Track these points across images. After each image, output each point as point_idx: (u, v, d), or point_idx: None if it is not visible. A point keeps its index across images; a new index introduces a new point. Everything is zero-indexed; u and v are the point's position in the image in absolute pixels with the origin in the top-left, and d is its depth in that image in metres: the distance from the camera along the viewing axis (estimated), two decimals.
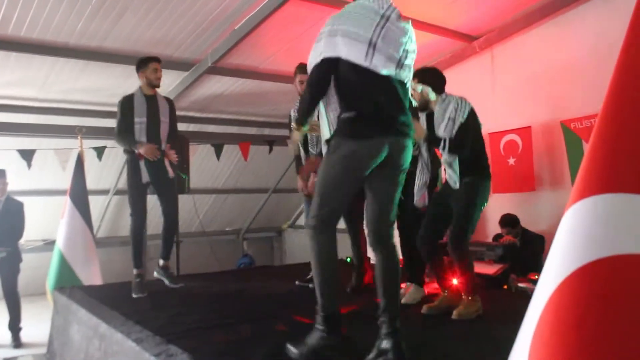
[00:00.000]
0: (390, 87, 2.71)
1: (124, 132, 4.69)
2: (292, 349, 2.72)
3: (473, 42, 6.51)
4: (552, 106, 5.86)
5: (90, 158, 7.09)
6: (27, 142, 6.95)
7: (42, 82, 6.32)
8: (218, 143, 8.10)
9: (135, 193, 4.77)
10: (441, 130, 3.75)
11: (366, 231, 2.82)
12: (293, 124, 2.85)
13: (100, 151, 7.23)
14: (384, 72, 2.64)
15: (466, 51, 6.62)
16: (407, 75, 2.80)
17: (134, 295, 4.65)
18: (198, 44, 5.99)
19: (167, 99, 4.99)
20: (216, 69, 6.42)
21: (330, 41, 2.63)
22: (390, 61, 2.65)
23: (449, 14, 5.84)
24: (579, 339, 1.36)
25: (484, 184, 3.86)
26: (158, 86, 4.84)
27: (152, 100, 4.79)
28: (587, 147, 1.61)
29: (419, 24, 5.78)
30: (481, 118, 3.92)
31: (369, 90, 2.65)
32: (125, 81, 6.58)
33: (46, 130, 6.99)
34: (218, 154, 8.09)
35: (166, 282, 4.84)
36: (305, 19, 5.56)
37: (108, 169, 8.32)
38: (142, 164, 4.68)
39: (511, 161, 6.21)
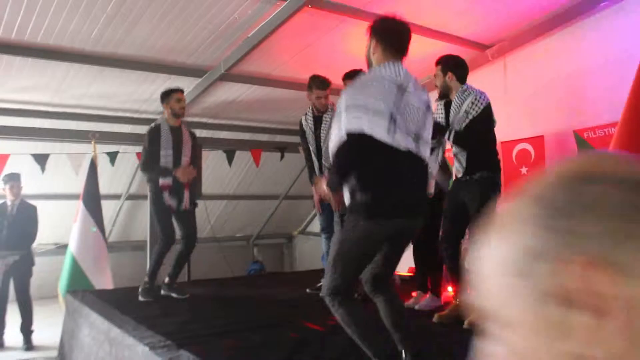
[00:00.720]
0: (411, 164, 2.62)
1: (152, 163, 4.83)
2: None
3: (485, 50, 6.50)
4: (565, 115, 5.83)
5: (103, 163, 7.14)
6: (41, 147, 7.00)
7: (56, 87, 6.38)
8: (230, 149, 8.13)
9: (163, 217, 4.90)
10: (456, 122, 3.76)
11: (364, 278, 2.78)
12: (326, 188, 2.79)
13: (113, 156, 7.28)
14: (406, 146, 2.54)
15: (478, 60, 6.61)
16: (427, 149, 2.70)
17: (142, 299, 4.71)
18: (211, 51, 6.02)
19: (191, 132, 5.13)
20: (229, 76, 6.44)
21: (351, 116, 2.51)
22: (409, 136, 2.56)
23: (461, 23, 5.84)
24: None
25: (495, 177, 3.87)
26: (182, 116, 5.01)
27: (177, 133, 4.93)
28: None
29: (431, 32, 5.79)
30: None
31: (388, 170, 2.56)
32: (139, 87, 6.63)
33: (60, 135, 7.05)
34: (230, 160, 8.12)
35: (174, 295, 4.90)
36: (318, 27, 5.58)
37: (120, 174, 8.36)
38: (165, 194, 4.82)
39: (523, 170, 6.18)
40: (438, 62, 3.95)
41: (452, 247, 3.92)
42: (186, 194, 4.90)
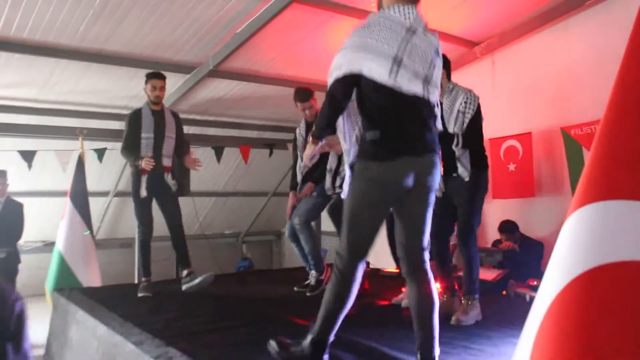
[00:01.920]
0: (417, 106, 2.55)
1: (130, 148, 4.83)
2: (274, 346, 2.72)
3: (474, 47, 6.53)
4: (553, 112, 5.86)
5: (90, 159, 7.10)
6: (28, 143, 6.95)
7: (44, 83, 6.33)
8: (218, 146, 8.10)
9: (139, 205, 4.90)
10: (451, 124, 3.74)
11: (399, 256, 2.71)
12: (309, 138, 2.76)
13: (100, 153, 7.24)
14: (410, 89, 2.50)
15: (467, 57, 6.63)
16: (435, 93, 2.63)
17: (140, 294, 4.75)
18: (200, 47, 6.00)
19: (174, 114, 5.10)
20: (217, 73, 6.42)
21: (353, 55, 2.51)
22: (416, 78, 2.51)
23: (450, 20, 5.85)
24: (581, 345, 1.36)
25: (483, 174, 3.90)
26: (157, 103, 4.94)
27: (159, 115, 4.91)
28: (587, 154, 1.61)
29: None
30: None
31: (392, 109, 2.51)
32: (127, 84, 6.60)
33: (47, 132, 7.00)
34: (218, 157, 8.10)
35: (196, 282, 4.80)
36: (306, 23, 5.57)
37: (108, 170, 8.31)
38: (144, 178, 4.79)
39: (511, 167, 6.21)
40: None
41: (441, 244, 3.92)
42: (167, 177, 4.89)
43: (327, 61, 2.70)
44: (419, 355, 2.57)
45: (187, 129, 7.87)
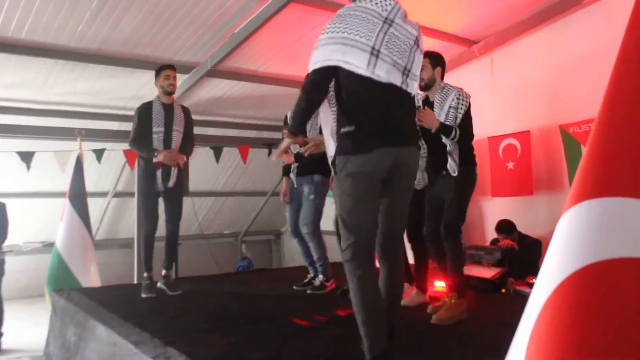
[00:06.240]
0: (396, 97, 2.52)
1: (141, 139, 4.81)
2: None
3: (472, 46, 6.53)
4: (551, 110, 5.87)
5: (89, 160, 7.10)
6: (26, 144, 6.94)
7: (42, 84, 6.33)
8: (217, 146, 8.10)
9: (149, 200, 4.90)
10: (442, 118, 3.77)
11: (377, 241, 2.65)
12: (285, 131, 2.73)
13: (99, 153, 7.23)
14: (389, 81, 2.47)
15: (465, 55, 6.63)
16: (415, 85, 2.60)
17: (143, 295, 4.77)
18: (198, 47, 6.00)
19: (184, 108, 5.09)
20: (216, 72, 6.42)
21: (327, 49, 2.47)
22: (395, 69, 2.48)
23: (448, 19, 5.85)
24: (576, 343, 1.36)
25: (472, 172, 3.91)
26: (171, 93, 4.94)
27: (169, 109, 4.91)
28: (584, 151, 1.61)
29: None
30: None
31: (371, 101, 2.49)
32: (125, 84, 6.60)
33: (46, 133, 6.99)
34: (217, 156, 8.09)
35: (167, 290, 4.92)
36: (304, 23, 5.57)
37: (107, 171, 8.32)
38: (159, 172, 4.81)
39: (510, 165, 6.22)
40: (426, 55, 3.95)
41: (437, 243, 3.92)
42: (174, 172, 4.88)
43: None
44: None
45: None
